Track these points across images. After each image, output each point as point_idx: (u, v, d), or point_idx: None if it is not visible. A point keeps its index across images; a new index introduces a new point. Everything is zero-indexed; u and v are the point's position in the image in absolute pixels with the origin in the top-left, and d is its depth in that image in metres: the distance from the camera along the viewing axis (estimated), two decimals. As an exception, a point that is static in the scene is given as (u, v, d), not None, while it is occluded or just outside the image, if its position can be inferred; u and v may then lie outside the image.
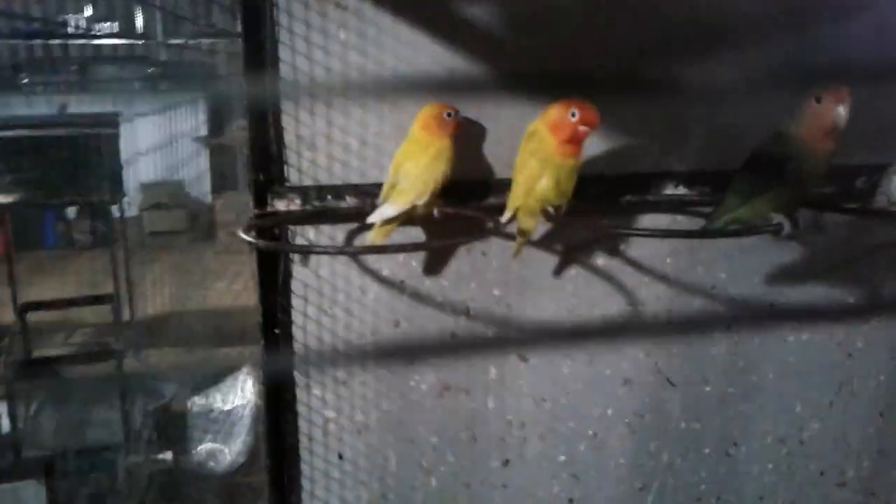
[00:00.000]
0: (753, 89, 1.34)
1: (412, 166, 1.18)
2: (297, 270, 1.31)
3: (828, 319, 1.45)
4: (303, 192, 1.26)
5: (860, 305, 1.46)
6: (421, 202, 1.17)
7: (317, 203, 1.27)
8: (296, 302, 1.32)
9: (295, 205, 1.27)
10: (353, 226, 1.30)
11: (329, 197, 1.27)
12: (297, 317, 1.33)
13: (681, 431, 1.47)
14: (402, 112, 1.27)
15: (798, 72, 1.32)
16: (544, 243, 1.36)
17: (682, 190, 1.35)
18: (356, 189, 1.27)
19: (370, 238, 1.20)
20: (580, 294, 1.39)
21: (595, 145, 1.32)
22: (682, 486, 1.49)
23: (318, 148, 1.27)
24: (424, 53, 1.26)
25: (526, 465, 1.44)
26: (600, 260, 1.38)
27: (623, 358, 1.42)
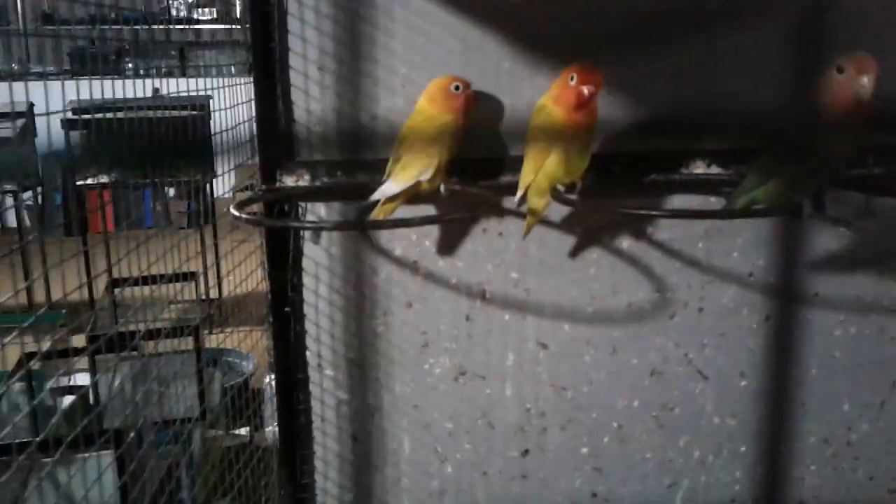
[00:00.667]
0: (794, 61, 1.23)
1: (416, 140, 1.13)
2: (308, 248, 1.29)
3: (879, 312, 1.33)
4: (312, 167, 1.24)
5: (917, 298, 1.33)
6: (425, 178, 1.12)
7: (326, 179, 1.24)
8: (307, 280, 1.30)
9: (304, 180, 1.24)
10: (365, 203, 1.26)
11: (339, 173, 1.24)
12: (308, 295, 1.31)
13: (714, 427, 1.38)
14: (413, 86, 1.23)
15: (847, 41, 1.20)
16: (565, 224, 1.29)
17: (715, 169, 1.25)
18: (367, 165, 1.24)
19: (373, 215, 1.17)
20: (603, 279, 1.31)
21: (620, 121, 1.24)
22: (714, 485, 1.40)
23: (328, 123, 1.24)
24: (437, 23, 1.21)
25: (546, 456, 1.38)
26: (626, 243, 1.30)
27: (650, 347, 1.34)
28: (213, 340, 3.78)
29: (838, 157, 0.99)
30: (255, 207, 1.24)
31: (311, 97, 1.23)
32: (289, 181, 1.24)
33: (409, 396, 1.35)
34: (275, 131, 1.23)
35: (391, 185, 1.14)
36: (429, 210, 1.25)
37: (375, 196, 1.15)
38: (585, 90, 1.05)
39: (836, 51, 0.99)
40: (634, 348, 1.34)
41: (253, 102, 1.22)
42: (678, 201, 1.28)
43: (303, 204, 1.27)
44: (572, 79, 1.05)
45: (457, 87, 1.14)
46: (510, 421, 1.36)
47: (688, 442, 1.38)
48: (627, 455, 1.38)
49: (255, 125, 1.22)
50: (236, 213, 1.05)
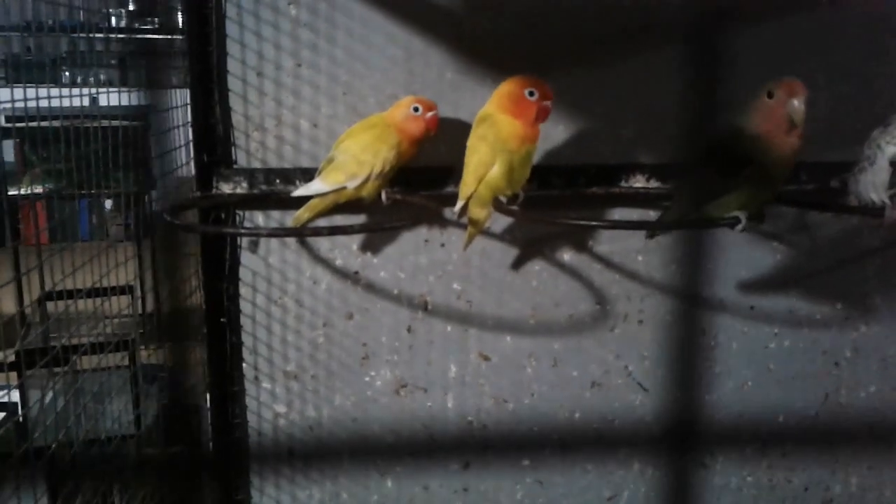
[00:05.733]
0: (732, 79, 1.25)
1: (351, 144, 1.11)
2: (246, 257, 1.26)
3: (813, 326, 1.35)
4: (250, 174, 1.21)
5: (848, 312, 1.36)
6: (351, 185, 1.10)
7: (264, 187, 1.22)
8: (244, 290, 1.27)
9: (241, 188, 1.22)
10: (290, 195, 1.22)
11: (277, 181, 1.22)
12: (244, 306, 1.28)
13: (653, 439, 1.38)
14: (355, 93, 1.22)
15: (776, 63, 1.23)
16: (507, 236, 1.29)
17: (653, 183, 1.26)
18: (306, 173, 1.21)
19: (298, 214, 1.15)
20: (545, 291, 1.31)
21: (560, 134, 1.25)
22: (653, 496, 1.40)
23: (268, 130, 1.22)
24: (380, 32, 1.20)
25: (487, 468, 1.37)
26: (567, 255, 1.31)
27: (591, 359, 1.34)
28: (155, 356, 3.68)
29: (775, 180, 1.00)
30: (190, 215, 1.21)
31: (250, 103, 1.21)
32: (226, 188, 1.21)
33: (349, 409, 1.32)
34: (211, 137, 1.21)
35: (317, 184, 1.12)
36: (370, 219, 1.23)
37: (300, 192, 1.13)
38: (546, 104, 1.05)
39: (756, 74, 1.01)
40: (575, 360, 1.34)
41: (189, 107, 1.19)
42: (618, 214, 1.29)
43: (240, 212, 1.25)
44: (532, 94, 1.04)
45: (416, 109, 1.12)
46: (451, 434, 1.35)
47: (628, 454, 1.38)
48: (568, 467, 1.38)
49: (190, 130, 1.19)
50: (168, 219, 1.01)
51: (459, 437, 1.35)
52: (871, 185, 1.03)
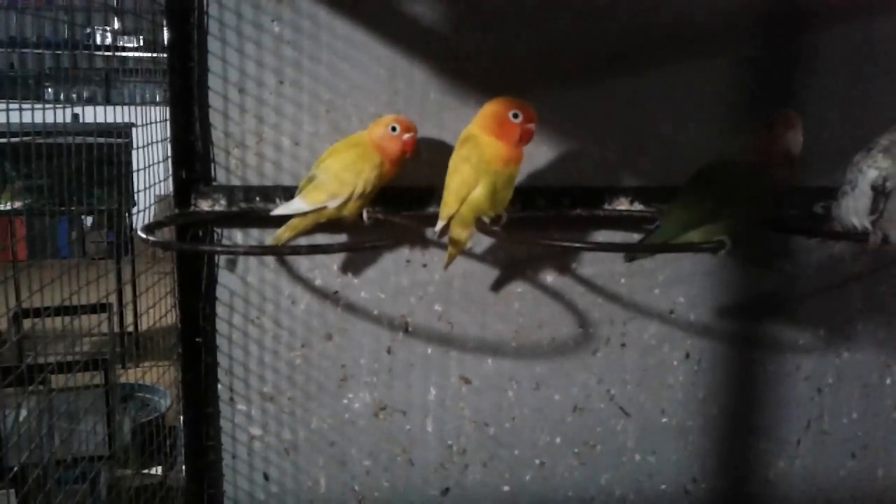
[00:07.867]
0: (715, 104, 1.25)
1: (333, 162, 1.10)
2: (223, 276, 1.24)
3: (795, 351, 1.35)
4: (229, 192, 1.19)
5: (831, 338, 1.35)
6: (332, 205, 1.08)
7: (243, 204, 1.20)
8: (220, 310, 1.25)
9: (220, 205, 1.20)
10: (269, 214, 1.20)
11: (257, 199, 1.20)
12: (221, 326, 1.25)
13: (635, 464, 1.36)
14: (338, 112, 1.20)
15: (755, 90, 1.23)
16: (489, 257, 1.27)
17: (637, 206, 1.26)
18: (287, 191, 1.19)
19: (278, 234, 1.13)
20: (528, 313, 1.30)
21: (544, 155, 1.24)
22: (635, 524, 1.39)
23: (248, 147, 1.20)
24: (364, 51, 1.19)
25: (467, 494, 1.34)
26: (550, 278, 1.29)
27: (573, 383, 1.33)
28: (129, 375, 3.63)
29: (765, 209, 1.00)
30: (168, 232, 1.19)
31: (231, 120, 1.19)
32: (204, 205, 1.19)
33: (326, 432, 1.30)
34: (190, 153, 1.19)
35: (298, 202, 1.10)
36: (351, 238, 1.22)
37: (280, 210, 1.11)
38: (530, 127, 1.04)
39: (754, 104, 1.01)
40: (557, 384, 1.32)
41: (168, 123, 1.17)
42: (601, 236, 1.28)
43: (218, 230, 1.22)
44: (516, 116, 1.03)
45: (394, 129, 1.10)
46: (431, 458, 1.33)
47: (609, 479, 1.36)
48: (549, 493, 1.36)
49: (169, 146, 1.17)
50: (144, 236, 0.99)
51: (439, 462, 1.33)
52: (852, 210, 1.03)
